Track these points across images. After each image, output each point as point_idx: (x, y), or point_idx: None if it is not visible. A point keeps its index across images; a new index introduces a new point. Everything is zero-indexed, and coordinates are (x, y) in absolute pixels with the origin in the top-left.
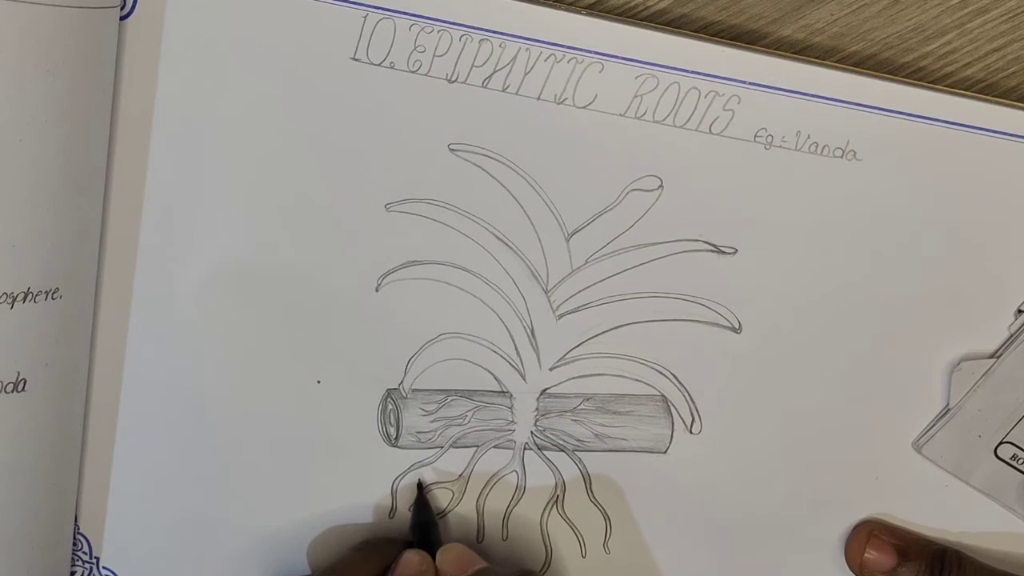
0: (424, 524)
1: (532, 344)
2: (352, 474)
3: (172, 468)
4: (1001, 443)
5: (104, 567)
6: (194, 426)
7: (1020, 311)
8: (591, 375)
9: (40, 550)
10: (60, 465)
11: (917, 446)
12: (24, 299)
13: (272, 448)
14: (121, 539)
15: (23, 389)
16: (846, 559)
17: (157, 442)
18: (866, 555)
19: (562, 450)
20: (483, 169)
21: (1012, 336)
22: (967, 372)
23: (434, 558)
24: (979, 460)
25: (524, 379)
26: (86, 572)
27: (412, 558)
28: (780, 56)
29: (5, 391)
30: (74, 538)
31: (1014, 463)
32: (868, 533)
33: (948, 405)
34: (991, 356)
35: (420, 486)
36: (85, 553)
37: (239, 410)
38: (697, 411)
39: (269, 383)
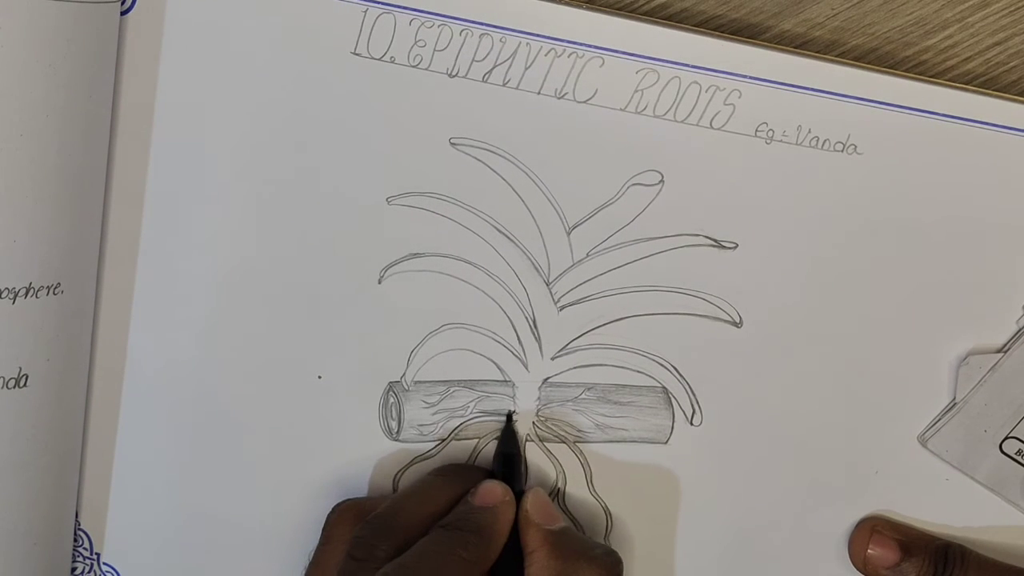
0: (508, 455)
1: (534, 334)
2: (353, 469)
3: (173, 464)
4: (1007, 438)
5: (105, 563)
6: (195, 422)
7: None
8: (593, 365)
9: (41, 546)
10: (61, 461)
11: (923, 440)
12: (26, 294)
13: (273, 444)
14: (122, 535)
15: (25, 384)
16: (850, 555)
17: (158, 438)
18: (869, 551)
19: (563, 441)
20: (484, 163)
21: (1020, 331)
22: (974, 366)
23: (514, 491)
24: (984, 455)
25: (526, 368)
26: (87, 568)
27: (494, 487)
28: (781, 50)
29: (7, 386)
30: (75, 534)
31: (1019, 458)
32: (871, 529)
33: (955, 399)
34: (999, 351)
35: (509, 416)
36: (86, 549)
37: (240, 405)
38: (698, 403)
39: (270, 378)
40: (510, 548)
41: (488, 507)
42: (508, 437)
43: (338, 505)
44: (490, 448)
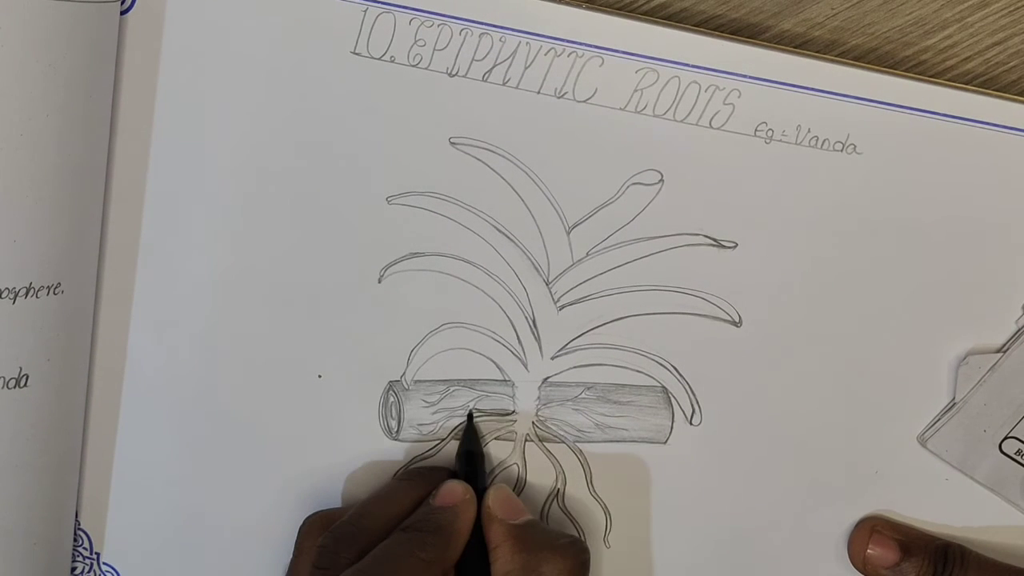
0: (470, 454)
1: (534, 334)
2: (353, 469)
3: (173, 463)
4: (1006, 438)
5: (105, 563)
6: (195, 421)
7: None
8: (592, 365)
9: (41, 545)
10: (61, 460)
11: (922, 440)
12: (26, 294)
13: (273, 443)
14: (122, 535)
15: (25, 384)
16: (849, 555)
17: (158, 438)
18: (869, 551)
19: (563, 441)
20: (484, 163)
21: (1019, 331)
22: (974, 366)
23: (476, 488)
24: (984, 455)
25: (526, 367)
26: (87, 568)
27: (455, 487)
28: (780, 50)
29: (7, 386)
30: (75, 534)
31: (1018, 458)
32: (870, 529)
33: (954, 399)
34: (998, 350)
35: (470, 415)
36: (86, 549)
37: (240, 405)
38: (697, 402)
39: (270, 378)
40: (476, 546)
41: (448, 507)
42: (470, 435)
43: (308, 518)
44: (489, 448)
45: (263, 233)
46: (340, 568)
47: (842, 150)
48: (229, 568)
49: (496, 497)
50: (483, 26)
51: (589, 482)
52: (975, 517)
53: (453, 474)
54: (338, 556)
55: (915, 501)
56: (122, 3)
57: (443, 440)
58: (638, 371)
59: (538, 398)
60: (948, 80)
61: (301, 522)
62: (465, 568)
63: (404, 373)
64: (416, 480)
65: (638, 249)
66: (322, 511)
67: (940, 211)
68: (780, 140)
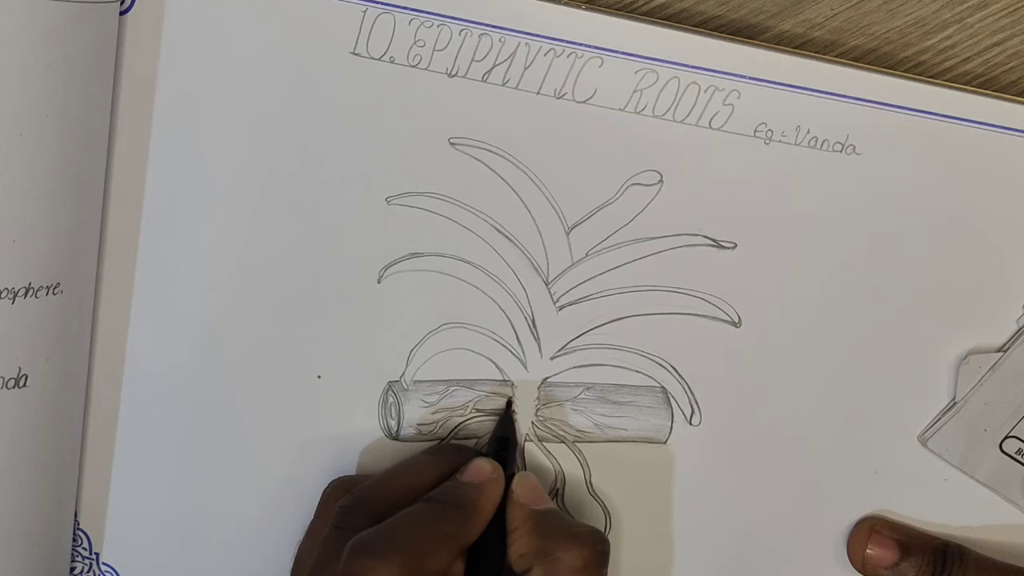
0: (503, 439)
1: (533, 334)
2: (353, 469)
3: (172, 464)
4: (1007, 437)
5: (104, 563)
6: (195, 422)
7: None
8: (591, 365)
9: (40, 546)
10: (60, 461)
11: (923, 439)
12: (25, 294)
13: (272, 443)
14: (121, 535)
15: (24, 385)
16: (848, 555)
17: (158, 438)
18: (868, 551)
19: (562, 441)
20: (483, 163)
21: (1020, 330)
22: (974, 366)
23: (506, 475)
24: (984, 454)
25: (525, 367)
26: (86, 568)
27: (483, 465)
28: (780, 51)
29: (6, 387)
30: (74, 534)
31: (1019, 458)
32: (869, 529)
33: (955, 399)
34: (999, 350)
35: (509, 402)
36: (85, 549)
37: (240, 405)
38: (696, 403)
39: (269, 378)
40: (496, 528)
41: (474, 483)
42: (505, 422)
43: (332, 481)
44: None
45: (263, 233)
46: (357, 529)
47: (841, 151)
48: (228, 568)
49: (522, 483)
50: (483, 27)
51: (588, 482)
52: (974, 517)
53: (483, 455)
54: (356, 517)
55: (914, 501)
56: (121, 3)
57: (443, 440)
58: (637, 371)
59: (537, 398)
60: (947, 81)
61: (299, 521)
62: (482, 550)
63: (403, 373)
64: (443, 455)
65: (637, 249)
66: (346, 476)
67: (940, 211)
68: (779, 141)
